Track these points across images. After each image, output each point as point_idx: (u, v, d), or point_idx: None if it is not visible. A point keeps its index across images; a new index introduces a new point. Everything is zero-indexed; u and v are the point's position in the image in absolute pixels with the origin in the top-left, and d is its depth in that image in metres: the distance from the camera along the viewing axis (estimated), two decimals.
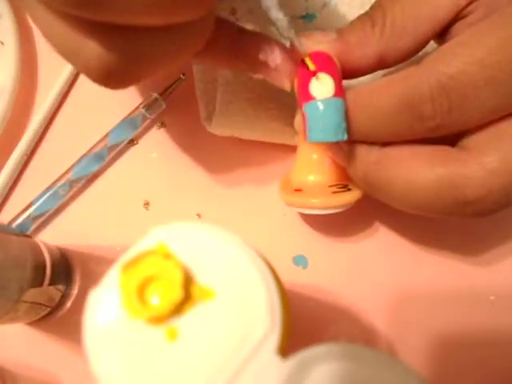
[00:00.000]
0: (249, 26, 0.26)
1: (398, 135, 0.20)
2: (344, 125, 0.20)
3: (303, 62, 0.21)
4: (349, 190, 0.24)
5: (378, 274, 0.27)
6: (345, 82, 0.21)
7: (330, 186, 0.24)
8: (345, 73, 0.21)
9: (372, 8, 0.22)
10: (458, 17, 0.20)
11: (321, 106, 0.20)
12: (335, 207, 0.24)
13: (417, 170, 0.20)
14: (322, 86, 0.20)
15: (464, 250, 0.27)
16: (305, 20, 0.30)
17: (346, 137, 0.20)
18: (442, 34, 0.21)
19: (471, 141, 0.20)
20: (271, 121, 0.28)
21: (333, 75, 0.20)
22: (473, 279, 0.27)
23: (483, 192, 0.19)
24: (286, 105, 0.29)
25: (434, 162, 0.19)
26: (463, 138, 0.20)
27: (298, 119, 0.23)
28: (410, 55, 0.21)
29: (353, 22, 0.22)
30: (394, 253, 0.28)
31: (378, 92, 0.20)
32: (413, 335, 0.26)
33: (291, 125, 0.29)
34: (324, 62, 0.20)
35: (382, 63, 0.21)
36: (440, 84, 0.18)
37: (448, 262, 0.27)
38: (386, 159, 0.21)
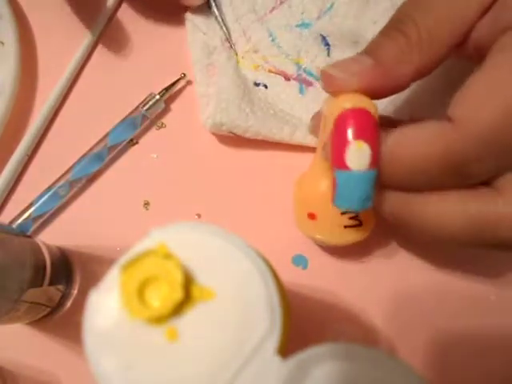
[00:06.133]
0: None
1: (433, 187, 0.20)
2: (372, 195, 0.20)
3: (342, 120, 0.19)
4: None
5: (378, 274, 0.27)
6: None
7: (344, 214, 0.24)
8: (380, 95, 0.20)
9: (399, 21, 0.20)
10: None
11: (355, 179, 0.19)
12: (341, 244, 0.25)
13: (447, 210, 0.19)
14: (359, 155, 0.19)
15: (464, 249, 0.27)
16: (301, 28, 0.31)
17: (370, 205, 0.20)
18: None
19: (506, 181, 0.19)
20: (270, 119, 0.28)
21: (372, 144, 0.19)
22: (473, 279, 0.27)
23: None
24: (282, 109, 0.29)
25: (465, 201, 0.19)
26: (497, 179, 0.19)
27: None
28: (443, 61, 0.21)
29: (380, 41, 0.20)
30: (395, 253, 0.28)
31: (417, 149, 0.19)
32: (413, 335, 0.26)
33: (289, 123, 0.29)
34: (365, 127, 0.19)
35: (418, 77, 0.20)
36: (486, 144, 0.18)
37: (448, 262, 0.27)
38: (414, 201, 0.20)
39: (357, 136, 0.19)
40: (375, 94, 0.20)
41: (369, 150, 0.19)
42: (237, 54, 0.31)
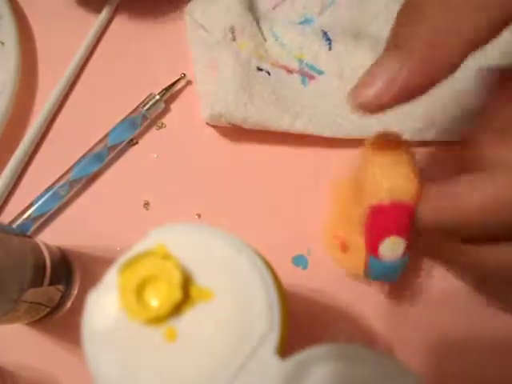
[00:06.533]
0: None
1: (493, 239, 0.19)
2: (400, 272, 0.20)
3: (378, 214, 0.19)
4: None
5: None
6: None
7: None
8: (426, 89, 0.17)
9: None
10: None
11: (387, 266, 0.20)
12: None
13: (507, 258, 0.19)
14: (393, 248, 0.19)
15: None
16: (303, 25, 0.30)
17: (399, 276, 0.21)
18: None
19: None
20: (270, 106, 0.28)
21: (406, 237, 0.19)
22: None
23: None
24: (285, 94, 0.29)
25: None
26: None
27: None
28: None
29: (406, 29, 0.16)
30: None
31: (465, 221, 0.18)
32: (411, 335, 0.26)
33: (290, 110, 0.28)
34: (400, 223, 0.19)
35: (471, 49, 0.16)
36: None
37: None
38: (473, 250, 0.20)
39: (392, 232, 0.19)
40: (420, 90, 0.17)
41: (403, 243, 0.19)
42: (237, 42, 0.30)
